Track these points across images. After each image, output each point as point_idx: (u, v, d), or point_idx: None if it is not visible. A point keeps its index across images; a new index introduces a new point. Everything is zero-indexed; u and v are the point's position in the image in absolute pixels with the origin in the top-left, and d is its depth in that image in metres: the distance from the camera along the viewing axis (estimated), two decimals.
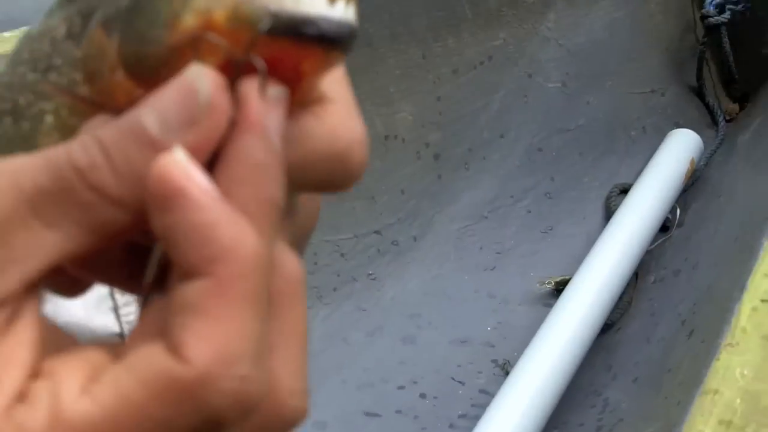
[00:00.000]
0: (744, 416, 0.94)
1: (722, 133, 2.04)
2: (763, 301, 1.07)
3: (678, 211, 1.84)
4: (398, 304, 1.63)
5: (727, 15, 2.05)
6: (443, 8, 1.73)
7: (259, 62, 0.32)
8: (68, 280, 0.37)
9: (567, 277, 1.66)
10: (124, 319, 0.87)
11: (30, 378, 0.32)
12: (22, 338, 0.32)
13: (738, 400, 0.95)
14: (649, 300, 1.69)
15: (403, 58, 1.68)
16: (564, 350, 1.49)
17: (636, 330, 1.63)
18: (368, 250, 1.64)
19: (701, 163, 1.94)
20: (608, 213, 1.84)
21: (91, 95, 0.36)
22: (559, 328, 1.52)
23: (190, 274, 0.31)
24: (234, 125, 0.33)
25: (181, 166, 0.31)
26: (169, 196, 0.31)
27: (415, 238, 1.70)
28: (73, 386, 0.31)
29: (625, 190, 1.86)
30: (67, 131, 0.36)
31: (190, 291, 0.31)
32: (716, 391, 0.96)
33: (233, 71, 0.33)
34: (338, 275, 1.60)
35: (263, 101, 0.33)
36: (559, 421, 1.48)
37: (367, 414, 1.49)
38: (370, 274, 1.64)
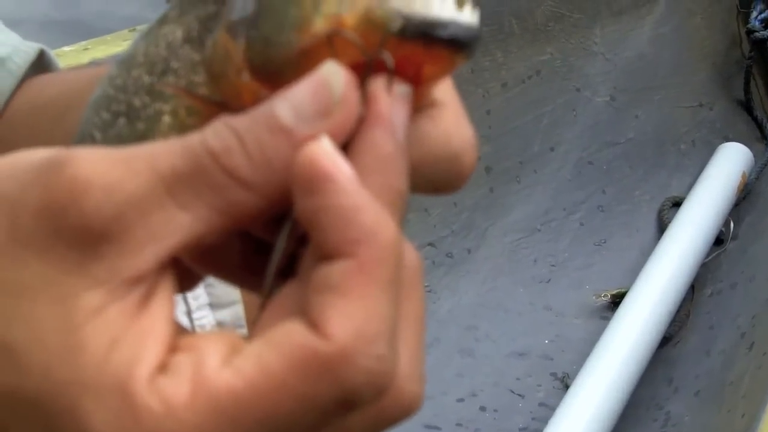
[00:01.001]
0: None
1: None
2: None
3: (732, 224, 1.83)
4: (454, 317, 1.62)
5: None
6: (491, 23, 1.73)
7: (389, 59, 0.33)
8: (182, 273, 0.37)
9: (623, 290, 1.65)
10: (196, 323, 0.87)
11: (170, 351, 0.33)
12: (160, 314, 0.33)
13: None
14: (707, 313, 1.67)
15: (453, 73, 1.68)
16: (623, 363, 1.47)
17: (695, 343, 1.61)
18: (423, 262, 1.63)
19: (752, 177, 1.93)
20: (661, 226, 1.83)
21: (212, 96, 0.37)
22: (617, 341, 1.50)
23: (332, 255, 0.32)
24: (361, 121, 0.34)
25: (328, 153, 0.32)
26: (318, 180, 0.32)
27: (469, 251, 1.69)
28: (216, 359, 0.32)
29: (677, 204, 1.85)
30: (185, 131, 0.36)
31: (332, 271, 0.32)
32: None
33: (359, 73, 0.34)
34: None
35: (392, 98, 0.34)
36: None
37: (427, 427, 1.47)
38: (426, 286, 1.63)
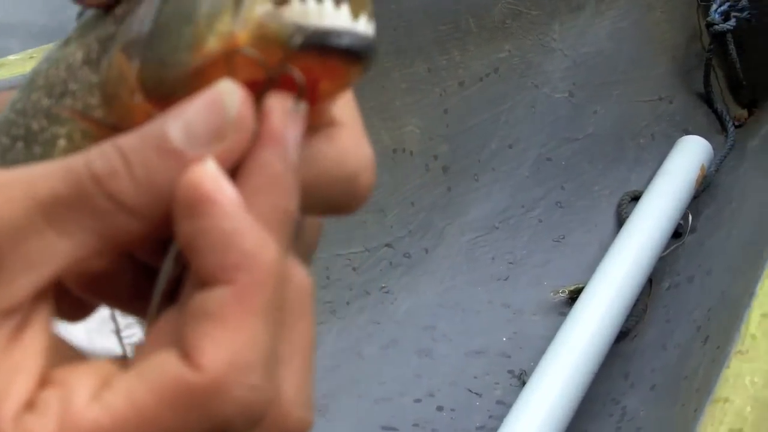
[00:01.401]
0: (755, 424, 0.93)
1: (732, 138, 2.04)
2: None
3: (690, 217, 1.84)
4: (412, 317, 1.63)
5: (732, 22, 2.05)
6: (447, 22, 1.73)
7: (297, 73, 0.33)
8: (73, 303, 0.37)
9: (581, 286, 1.65)
10: (126, 341, 0.87)
11: (39, 386, 0.32)
12: (32, 347, 0.32)
13: (748, 408, 0.94)
14: (664, 307, 1.68)
15: (409, 72, 1.69)
16: (580, 359, 1.48)
17: (652, 337, 1.62)
18: (380, 264, 1.63)
19: (712, 169, 1.94)
20: (620, 221, 1.83)
21: (106, 118, 0.37)
22: (574, 337, 1.51)
23: (210, 281, 0.32)
24: (255, 138, 0.33)
25: (211, 176, 0.32)
26: (198, 203, 0.31)
27: (426, 251, 1.69)
28: (84, 394, 0.31)
29: (636, 198, 1.86)
30: None
31: (208, 298, 0.31)
32: (726, 400, 0.95)
33: (255, 91, 0.33)
34: (351, 289, 1.60)
35: (286, 116, 0.33)
36: (577, 430, 1.47)
37: (384, 428, 1.48)
38: (383, 287, 1.63)
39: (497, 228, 1.78)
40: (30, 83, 0.41)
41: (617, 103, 1.99)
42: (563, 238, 1.82)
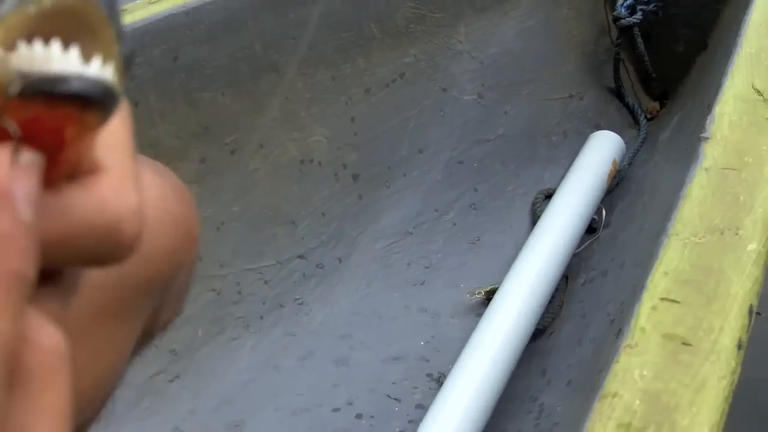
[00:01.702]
0: (643, 418, 0.93)
1: (644, 131, 2.05)
2: (662, 299, 1.07)
3: (604, 212, 1.84)
4: (328, 327, 1.62)
5: (638, 16, 2.07)
6: (349, 29, 1.73)
7: (11, 125, 0.32)
8: None
9: (496, 286, 1.65)
10: None
11: None
12: None
13: (637, 402, 0.95)
14: (580, 302, 1.68)
15: (312, 82, 1.68)
16: (496, 358, 1.48)
17: (568, 333, 1.62)
18: (293, 276, 1.63)
19: (624, 163, 1.95)
20: (534, 220, 1.84)
21: None
22: (488, 336, 1.51)
23: None
24: None
25: None
26: None
27: (340, 260, 1.69)
28: None
29: (549, 196, 1.86)
30: None
31: None
32: (615, 394, 0.95)
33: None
34: (264, 303, 1.59)
35: (11, 168, 0.31)
36: (496, 429, 1.46)
37: None
38: (297, 299, 1.63)
39: (411, 233, 1.78)
40: None
41: (527, 102, 2.00)
42: (478, 239, 1.82)
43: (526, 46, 2.03)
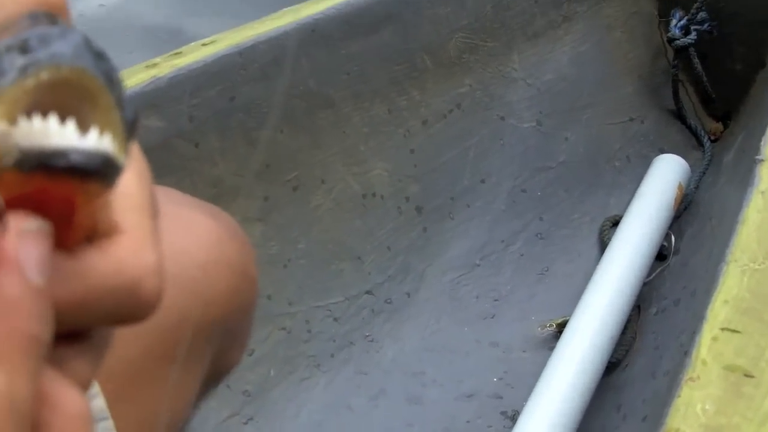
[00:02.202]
0: None
1: (709, 154, 2.01)
2: (723, 329, 1.03)
3: (673, 238, 1.80)
4: (399, 364, 1.58)
5: (693, 36, 2.03)
6: (402, 62, 1.71)
7: None
8: None
9: (568, 318, 1.61)
10: None
11: None
12: None
13: None
14: (653, 333, 1.64)
15: (369, 116, 1.66)
16: (569, 394, 1.43)
17: (642, 366, 1.57)
18: (362, 312, 1.59)
19: (691, 187, 1.90)
20: (603, 247, 1.79)
21: None
22: (561, 371, 1.46)
23: None
24: None
25: None
26: None
27: (408, 294, 1.65)
28: None
29: (616, 223, 1.82)
30: None
31: None
32: (677, 430, 0.91)
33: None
34: (334, 341, 1.56)
35: (18, 235, 0.33)
36: None
37: None
38: (367, 336, 1.59)
39: (478, 265, 1.74)
40: None
41: (587, 127, 1.97)
42: (547, 270, 1.78)
43: (582, 71, 2.00)
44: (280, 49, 1.53)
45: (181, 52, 1.45)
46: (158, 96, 1.36)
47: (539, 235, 1.83)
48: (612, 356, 1.55)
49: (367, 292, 1.61)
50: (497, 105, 1.86)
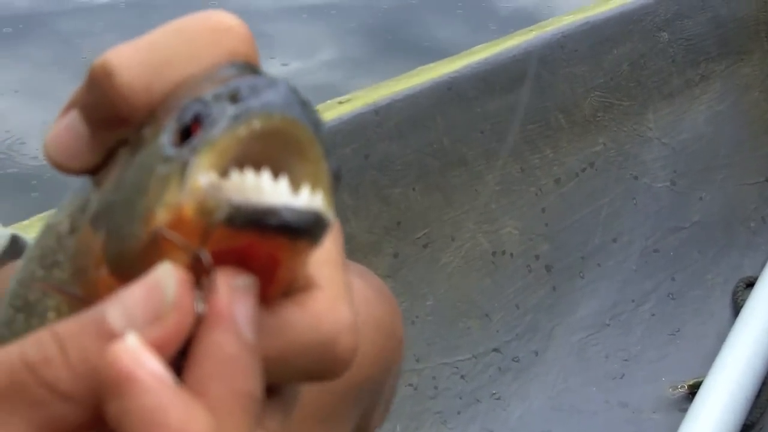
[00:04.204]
0: None
1: None
2: None
3: None
4: (527, 423, 1.58)
5: None
6: (536, 121, 1.72)
7: (206, 257, 0.33)
8: None
9: (700, 380, 1.59)
10: None
11: None
12: None
13: None
14: None
15: (501, 174, 1.67)
16: None
17: None
18: (489, 370, 1.60)
19: None
20: (736, 309, 1.77)
21: (78, 291, 0.36)
22: None
23: None
24: (202, 321, 0.33)
25: (131, 352, 0.31)
26: (119, 381, 0.30)
27: (536, 353, 1.65)
28: None
29: (751, 284, 1.80)
30: None
31: None
32: None
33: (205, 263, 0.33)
34: (460, 398, 1.56)
35: (231, 293, 0.33)
36: None
37: None
38: (494, 394, 1.59)
39: (608, 325, 1.73)
40: (30, 251, 0.40)
41: (722, 187, 1.95)
42: (678, 330, 1.76)
43: (718, 131, 1.98)
44: (416, 107, 1.55)
45: (317, 110, 1.48)
46: None
47: (671, 296, 1.81)
48: (747, 418, 1.54)
49: (495, 350, 1.62)
50: (631, 164, 1.85)
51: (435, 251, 1.58)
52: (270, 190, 0.32)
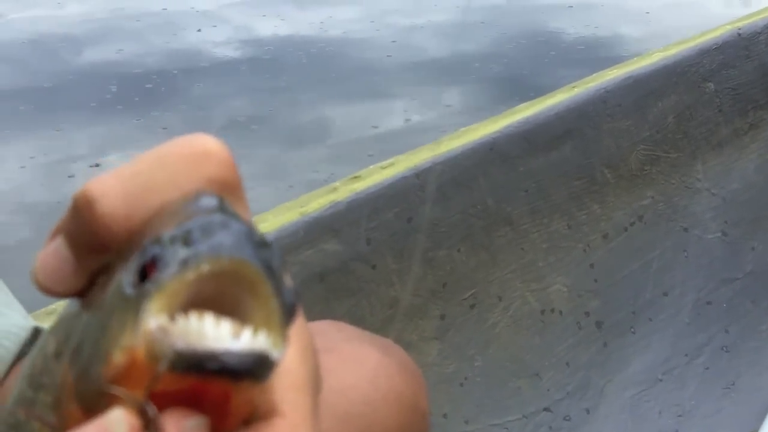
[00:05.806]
0: None
1: None
2: None
3: None
4: None
5: None
6: (581, 177, 1.72)
7: (151, 410, 0.34)
8: None
9: None
10: None
11: None
12: None
13: None
14: None
15: (548, 231, 1.67)
16: None
17: None
18: (540, 429, 1.59)
19: None
20: None
21: (56, 421, 0.37)
22: None
23: None
24: None
25: None
26: None
27: (588, 411, 1.64)
28: None
29: None
30: None
31: None
32: None
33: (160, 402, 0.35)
34: None
35: None
36: None
37: None
38: None
39: (661, 380, 1.71)
40: (24, 369, 0.42)
41: None
42: (733, 384, 1.74)
43: None
44: (457, 169, 1.56)
45: (359, 176, 1.49)
46: (337, 220, 1.41)
47: (725, 348, 1.79)
48: None
49: (545, 409, 1.61)
50: (681, 216, 1.84)
51: (482, 311, 1.59)
52: (212, 334, 0.33)
